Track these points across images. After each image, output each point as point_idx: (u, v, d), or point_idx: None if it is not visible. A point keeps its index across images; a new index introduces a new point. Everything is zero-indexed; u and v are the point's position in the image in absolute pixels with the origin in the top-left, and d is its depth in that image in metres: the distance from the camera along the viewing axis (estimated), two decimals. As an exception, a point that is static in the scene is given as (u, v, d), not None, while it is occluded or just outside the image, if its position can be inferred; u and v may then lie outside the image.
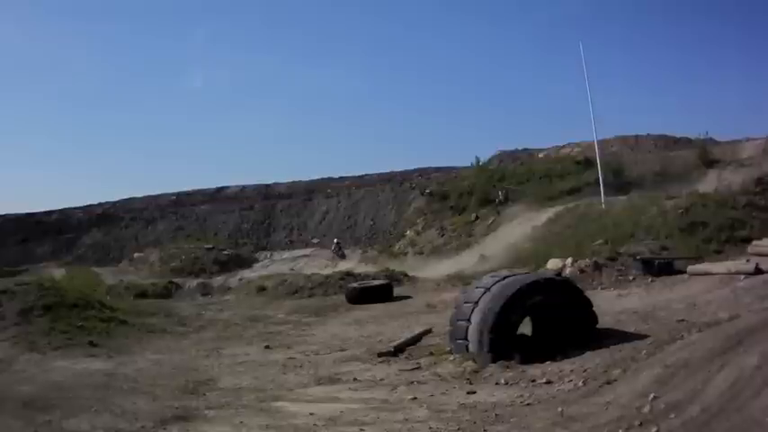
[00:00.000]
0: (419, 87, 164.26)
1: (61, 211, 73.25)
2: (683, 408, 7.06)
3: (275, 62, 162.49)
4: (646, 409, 7.45)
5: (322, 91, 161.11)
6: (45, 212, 73.15)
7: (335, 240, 55.57)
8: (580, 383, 10.05)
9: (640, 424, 7.15)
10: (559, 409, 8.71)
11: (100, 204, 74.51)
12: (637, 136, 58.69)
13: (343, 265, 43.11)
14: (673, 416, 6.97)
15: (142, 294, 34.85)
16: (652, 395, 7.73)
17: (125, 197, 75.78)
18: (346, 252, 54.01)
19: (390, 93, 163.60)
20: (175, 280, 40.21)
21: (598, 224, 31.00)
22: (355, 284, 28.00)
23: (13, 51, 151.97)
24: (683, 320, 14.32)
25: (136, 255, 59.98)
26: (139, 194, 76.16)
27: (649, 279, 21.55)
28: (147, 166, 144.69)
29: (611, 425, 7.50)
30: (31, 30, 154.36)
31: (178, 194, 74.72)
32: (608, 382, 9.50)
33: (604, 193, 36.08)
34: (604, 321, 14.06)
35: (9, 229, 69.08)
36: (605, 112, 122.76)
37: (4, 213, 72.59)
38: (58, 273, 40.75)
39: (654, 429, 6.87)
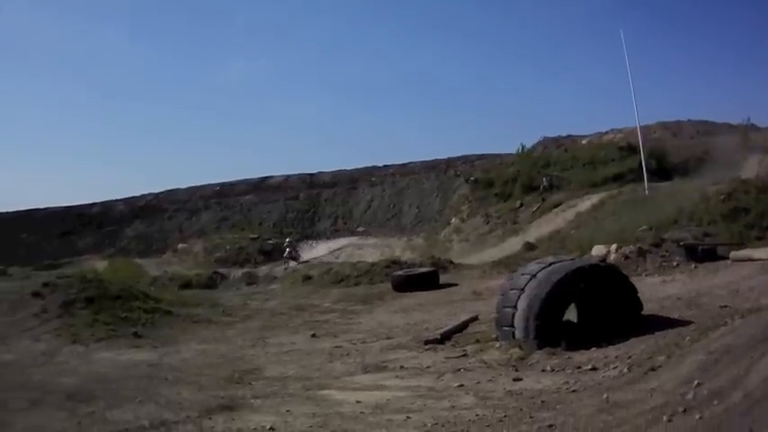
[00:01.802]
0: (462, 73, 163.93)
1: (103, 204, 73.70)
2: (726, 394, 7.05)
3: (317, 50, 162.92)
4: (689, 396, 7.43)
5: (364, 79, 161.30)
6: (86, 205, 73.67)
7: (287, 240, 55.18)
8: (625, 370, 10.02)
9: (684, 411, 7.13)
10: (605, 396, 8.71)
11: (142, 196, 74.95)
12: (678, 122, 58.34)
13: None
14: (716, 402, 6.95)
15: (186, 285, 35.10)
16: (696, 382, 7.71)
17: (168, 188, 76.05)
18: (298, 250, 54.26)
19: (433, 79, 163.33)
20: (220, 270, 40.34)
21: (641, 210, 30.87)
22: (401, 272, 27.94)
23: (54, 45, 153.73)
24: (725, 306, 14.27)
25: (180, 246, 60.20)
26: (183, 185, 76.24)
27: (692, 265, 21.45)
28: (189, 157, 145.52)
29: (655, 411, 7.49)
30: (72, 23, 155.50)
31: (222, 185, 74.84)
32: (652, 369, 9.48)
33: (647, 180, 35.92)
34: (649, 308, 13.99)
35: (50, 223, 69.59)
36: (647, 97, 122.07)
37: (45, 207, 73.05)
38: (100, 265, 40.99)
39: (697, 416, 6.86)
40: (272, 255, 52.69)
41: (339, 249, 54.13)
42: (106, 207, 73.76)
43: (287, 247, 51.51)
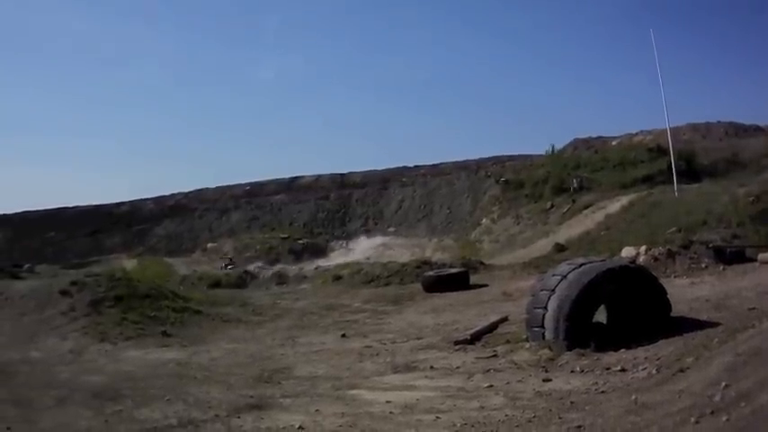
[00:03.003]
0: (493, 74, 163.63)
1: (132, 203, 73.99)
2: (754, 396, 7.05)
3: (348, 49, 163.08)
4: (717, 398, 7.42)
5: (396, 78, 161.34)
6: (115, 204, 73.97)
7: (230, 257, 55.45)
8: (654, 371, 10.05)
9: (712, 412, 7.12)
10: (633, 397, 8.74)
11: (172, 195, 75.22)
12: (708, 123, 58.10)
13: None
14: (743, 404, 6.94)
15: (216, 284, 35.27)
16: (723, 383, 7.69)
17: (198, 188, 76.40)
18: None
19: (464, 80, 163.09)
20: (250, 269, 40.46)
21: (671, 212, 30.81)
22: (432, 272, 27.90)
23: (85, 43, 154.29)
24: (754, 308, 14.16)
25: (209, 245, 60.48)
26: (212, 185, 76.52)
27: (721, 267, 21.46)
28: (220, 156, 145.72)
29: (683, 413, 7.50)
30: (103, 21, 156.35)
31: (252, 184, 74.99)
32: (681, 370, 9.48)
33: (677, 181, 35.86)
34: (678, 309, 13.99)
35: (79, 222, 69.84)
36: (677, 99, 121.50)
37: (73, 206, 73.43)
38: (129, 264, 41.14)
39: (724, 418, 6.85)
40: (302, 255, 52.85)
41: (369, 250, 54.15)
42: (135, 206, 74.07)
43: (228, 262, 52.35)
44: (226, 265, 50.93)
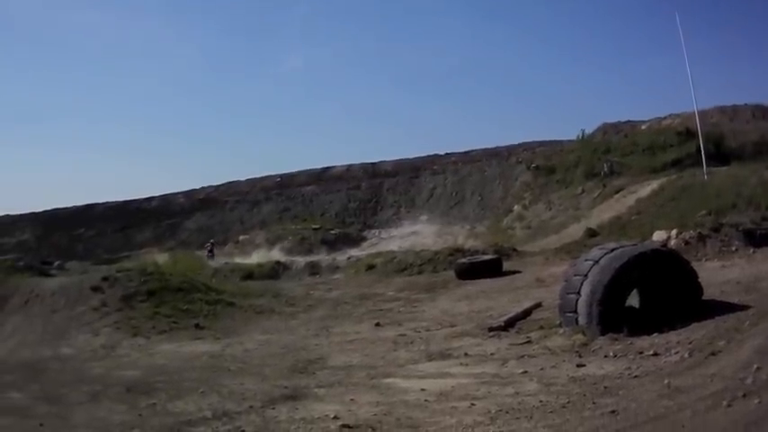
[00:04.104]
0: (522, 61, 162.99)
1: (162, 198, 74.37)
2: None
3: (377, 38, 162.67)
4: (749, 381, 7.50)
5: (425, 67, 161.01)
6: (145, 199, 74.34)
7: (211, 241, 55.87)
8: (686, 355, 10.07)
9: (744, 395, 7.19)
10: (666, 381, 8.79)
11: (202, 189, 75.44)
12: (735, 106, 57.63)
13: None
14: None
15: (248, 276, 35.35)
16: (755, 366, 7.76)
17: (228, 180, 76.68)
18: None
19: (493, 67, 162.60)
20: (282, 261, 40.56)
21: (700, 195, 30.68)
22: (465, 260, 27.98)
23: (113, 38, 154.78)
24: (783, 291, 14.27)
25: (241, 237, 60.74)
26: (243, 177, 76.75)
27: (751, 250, 21.34)
28: (249, 148, 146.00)
29: (715, 396, 7.56)
30: (132, 18, 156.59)
31: (283, 176, 75.12)
32: (713, 354, 9.54)
33: (705, 164, 35.76)
34: (709, 293, 13.93)
35: (109, 217, 70.45)
36: (704, 82, 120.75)
37: (103, 201, 74.03)
38: (160, 258, 41.29)
39: (756, 401, 6.94)
40: (334, 245, 52.95)
41: (402, 238, 54.19)
42: (166, 200, 74.51)
43: (209, 245, 52.85)
44: (209, 251, 51.51)
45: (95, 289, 23.29)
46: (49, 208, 74.02)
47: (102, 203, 74.54)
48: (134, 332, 19.84)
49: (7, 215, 73.97)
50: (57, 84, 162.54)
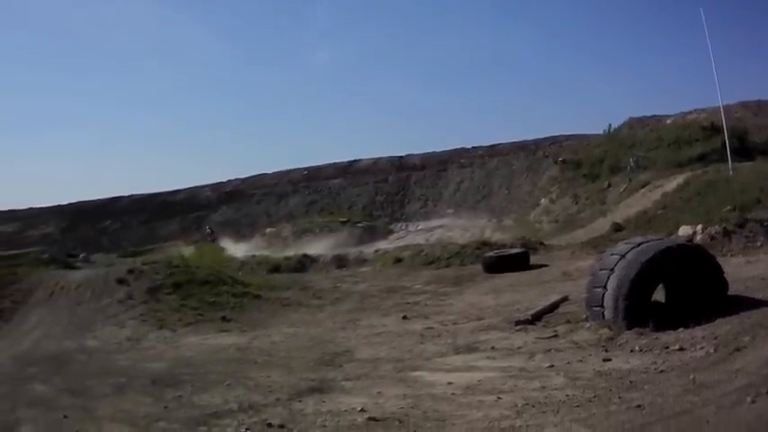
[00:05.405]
0: (548, 55, 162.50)
1: (188, 190, 74.67)
2: None
3: (403, 32, 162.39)
4: None
5: (452, 60, 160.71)
6: (170, 192, 74.69)
7: (208, 227, 56.14)
8: (711, 350, 10.10)
9: (767, 392, 7.33)
10: (691, 377, 8.87)
11: (229, 181, 75.75)
12: (759, 101, 57.35)
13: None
14: None
15: (275, 269, 35.30)
16: None
17: (254, 173, 76.87)
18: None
19: (520, 60, 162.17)
20: (309, 253, 40.47)
21: (725, 190, 30.58)
22: (492, 253, 27.97)
23: (138, 31, 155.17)
24: (808, 286, 14.26)
25: (268, 230, 60.83)
26: (269, 170, 76.91)
27: (775, 246, 21.42)
28: (276, 142, 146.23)
29: (739, 392, 7.62)
30: (158, 11, 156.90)
31: (309, 169, 75.07)
32: (737, 349, 9.61)
33: (731, 159, 35.70)
34: (734, 288, 13.85)
35: (134, 210, 70.96)
36: (728, 76, 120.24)
37: (128, 194, 74.40)
38: (186, 251, 41.35)
39: None
40: (361, 238, 53.00)
41: (429, 231, 54.25)
42: (192, 193, 74.85)
43: (208, 231, 53.04)
44: (208, 235, 51.84)
45: (121, 281, 23.54)
46: (73, 201, 74.89)
47: (128, 196, 74.97)
48: (160, 324, 20.06)
49: (32, 208, 74.58)
50: (82, 75, 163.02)
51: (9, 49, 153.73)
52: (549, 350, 12.37)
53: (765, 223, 22.87)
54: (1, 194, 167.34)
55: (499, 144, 70.66)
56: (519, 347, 13.09)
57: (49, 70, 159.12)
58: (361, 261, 36.48)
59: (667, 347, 10.94)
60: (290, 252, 42.94)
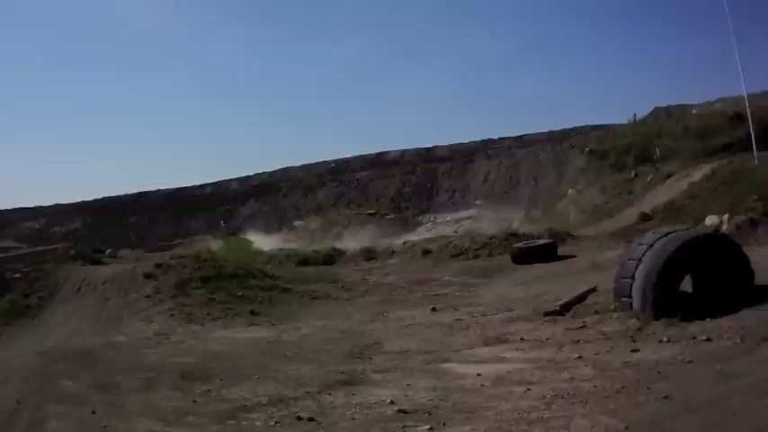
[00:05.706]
0: (574, 45, 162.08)
1: (215, 184, 75.04)
2: None
3: (431, 24, 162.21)
4: None
5: (477, 51, 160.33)
6: (198, 186, 75.14)
7: (222, 220, 56.42)
8: (738, 341, 10.14)
9: None
10: (718, 367, 8.90)
11: (256, 175, 75.86)
12: (782, 90, 56.98)
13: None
14: None
15: (304, 262, 35.41)
16: None
17: (282, 167, 76.99)
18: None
19: (546, 51, 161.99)
20: (338, 246, 40.59)
21: (751, 180, 30.41)
22: (520, 244, 28.08)
23: (167, 29, 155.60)
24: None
25: (296, 223, 60.92)
26: (297, 163, 77.08)
27: (801, 235, 21.35)
28: (303, 135, 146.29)
29: (765, 383, 7.73)
30: (184, 9, 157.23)
31: (337, 161, 75.23)
32: (764, 340, 9.68)
33: (756, 149, 35.55)
34: (760, 278, 13.69)
35: (161, 205, 71.08)
36: (753, 65, 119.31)
37: (155, 189, 74.86)
38: (214, 245, 41.40)
39: None
40: (390, 230, 53.02)
41: (457, 223, 54.23)
42: (219, 187, 75.28)
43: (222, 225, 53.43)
44: (222, 223, 52.17)
45: (149, 276, 23.72)
46: (99, 197, 75.44)
47: (155, 191, 75.45)
48: (188, 319, 20.20)
49: (57, 204, 75.07)
50: (108, 72, 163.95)
51: (31, 56, 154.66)
52: (578, 341, 12.43)
53: (791, 213, 22.81)
54: (27, 191, 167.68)
55: (526, 135, 70.63)
56: (547, 339, 13.15)
57: (78, 68, 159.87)
58: (390, 253, 36.57)
59: (695, 338, 10.96)
60: (319, 245, 43.04)
